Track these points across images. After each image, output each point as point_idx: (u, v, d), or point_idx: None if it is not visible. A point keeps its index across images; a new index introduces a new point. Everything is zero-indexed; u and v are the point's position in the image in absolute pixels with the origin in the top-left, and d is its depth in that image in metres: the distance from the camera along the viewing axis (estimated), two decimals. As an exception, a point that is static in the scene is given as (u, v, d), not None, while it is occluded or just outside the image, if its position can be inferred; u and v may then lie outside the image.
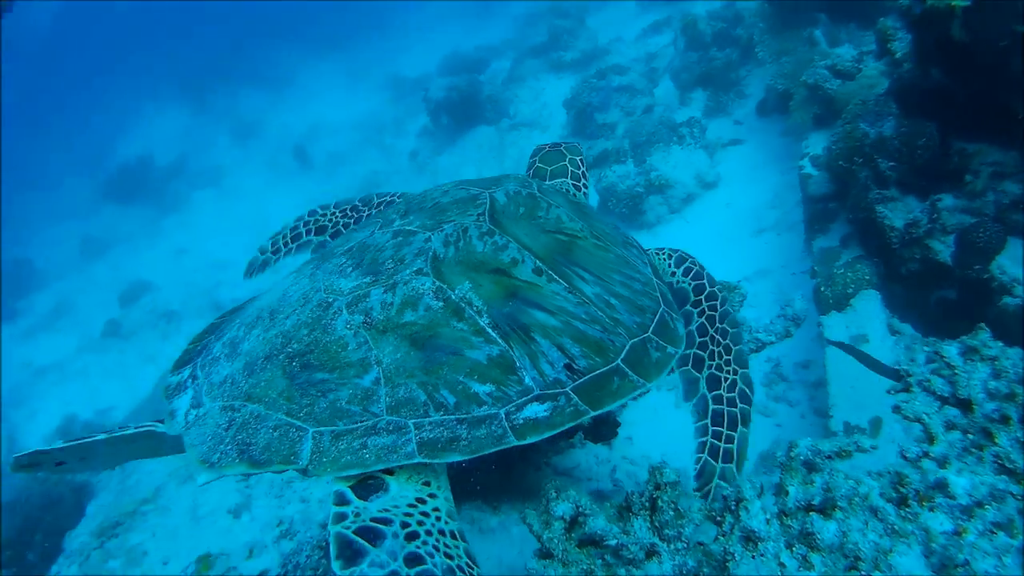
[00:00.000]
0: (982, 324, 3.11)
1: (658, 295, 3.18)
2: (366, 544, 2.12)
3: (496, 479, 4.18)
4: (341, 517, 2.22)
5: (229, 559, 5.29)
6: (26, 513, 8.76)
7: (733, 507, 2.48)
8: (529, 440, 2.46)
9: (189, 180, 23.79)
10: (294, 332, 2.68)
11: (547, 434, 2.49)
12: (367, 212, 4.28)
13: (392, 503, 2.32)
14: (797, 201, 7.75)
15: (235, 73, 30.61)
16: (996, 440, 2.72)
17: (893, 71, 6.21)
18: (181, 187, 23.39)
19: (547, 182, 3.97)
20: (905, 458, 2.74)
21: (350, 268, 2.88)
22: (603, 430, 4.75)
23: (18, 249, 23.45)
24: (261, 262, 4.54)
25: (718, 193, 9.46)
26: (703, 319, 3.43)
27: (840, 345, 4.86)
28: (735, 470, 3.08)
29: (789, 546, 2.38)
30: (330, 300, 2.75)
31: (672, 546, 2.51)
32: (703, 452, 3.15)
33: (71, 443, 2.77)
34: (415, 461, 2.36)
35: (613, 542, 2.48)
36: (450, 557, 2.19)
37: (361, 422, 2.42)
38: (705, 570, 2.40)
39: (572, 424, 2.55)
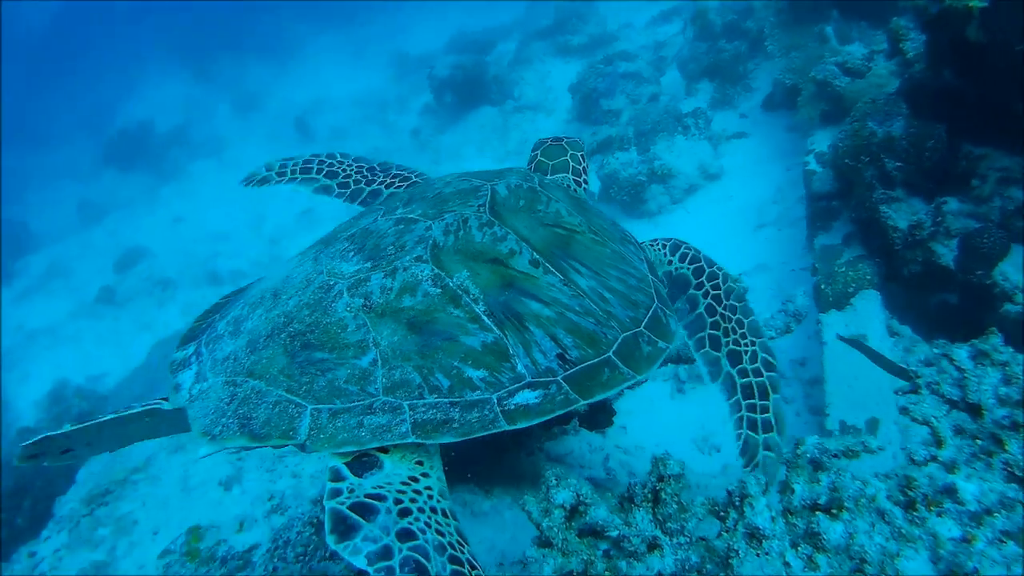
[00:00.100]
0: (993, 328, 3.08)
1: (652, 291, 3.23)
2: (360, 519, 2.16)
3: (489, 463, 4.18)
4: (336, 493, 2.26)
5: (219, 531, 5.29)
6: (16, 477, 8.77)
7: (737, 503, 2.46)
8: (519, 425, 2.51)
9: (190, 149, 23.67)
10: (296, 312, 2.73)
11: (537, 420, 2.55)
12: (380, 180, 4.26)
13: (386, 480, 2.36)
14: (799, 197, 7.73)
15: (239, 44, 30.38)
16: (1006, 447, 2.70)
17: (904, 71, 6.18)
18: (181, 155, 23.25)
19: (548, 176, 4.00)
20: (913, 461, 2.71)
21: (352, 253, 2.95)
22: (599, 418, 4.76)
23: (16, 209, 23.36)
24: (261, 178, 4.50)
25: (720, 185, 9.44)
26: (709, 300, 3.51)
27: (851, 341, 4.85)
28: (777, 438, 3.14)
29: (794, 545, 2.36)
30: (332, 283, 2.80)
31: (675, 540, 2.48)
32: (742, 427, 3.21)
33: (79, 426, 2.80)
34: (409, 441, 2.41)
35: (614, 533, 2.46)
36: (441, 534, 2.23)
37: (358, 401, 2.47)
38: (708, 566, 2.38)
39: (562, 412, 2.61)
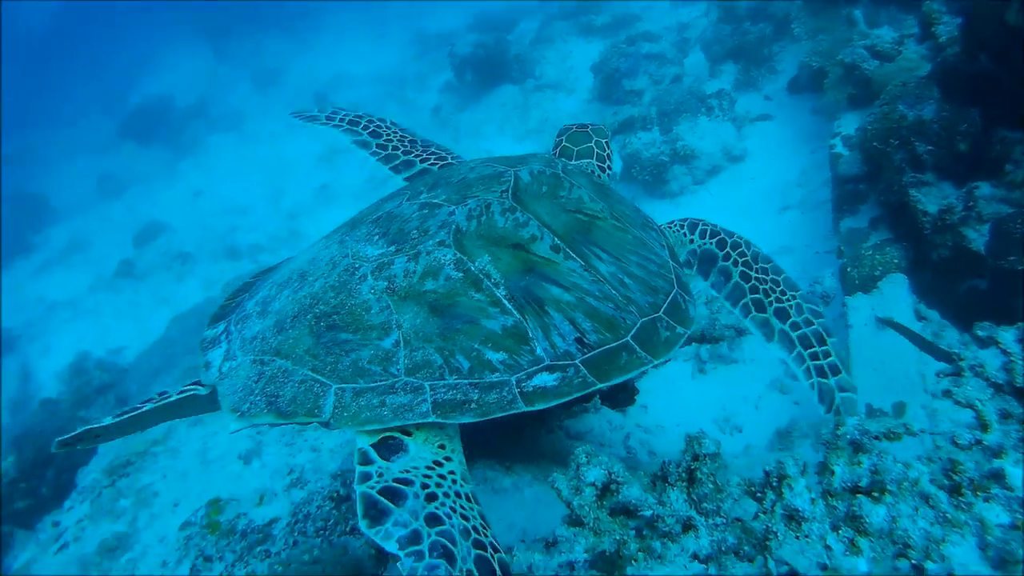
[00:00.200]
0: None
1: (672, 277, 3.28)
2: (390, 504, 2.24)
3: (509, 440, 4.20)
4: (366, 477, 2.34)
5: (239, 505, 5.32)
6: (39, 447, 8.88)
7: (775, 483, 2.42)
8: (537, 407, 2.58)
9: (209, 123, 23.67)
10: (322, 294, 2.81)
11: (554, 402, 2.62)
12: (417, 153, 4.35)
13: (412, 464, 2.42)
14: (824, 180, 7.64)
15: (260, 19, 30.29)
16: (1058, 434, 2.64)
17: (936, 55, 6.07)
18: (200, 130, 23.26)
19: (572, 162, 4.04)
20: (956, 444, 2.66)
21: (377, 236, 3.03)
22: (621, 397, 4.81)
23: (36, 183, 23.47)
24: (309, 115, 4.80)
25: (744, 167, 9.34)
26: (740, 267, 3.58)
27: (888, 322, 4.82)
28: (848, 377, 3.22)
29: (835, 528, 2.32)
30: (356, 266, 2.88)
31: (710, 520, 2.45)
32: (811, 377, 3.27)
33: (119, 418, 2.90)
34: (429, 420, 2.47)
35: (648, 513, 2.44)
36: (466, 519, 2.29)
37: (381, 381, 2.54)
38: (745, 547, 2.35)
39: (579, 394, 2.67)
